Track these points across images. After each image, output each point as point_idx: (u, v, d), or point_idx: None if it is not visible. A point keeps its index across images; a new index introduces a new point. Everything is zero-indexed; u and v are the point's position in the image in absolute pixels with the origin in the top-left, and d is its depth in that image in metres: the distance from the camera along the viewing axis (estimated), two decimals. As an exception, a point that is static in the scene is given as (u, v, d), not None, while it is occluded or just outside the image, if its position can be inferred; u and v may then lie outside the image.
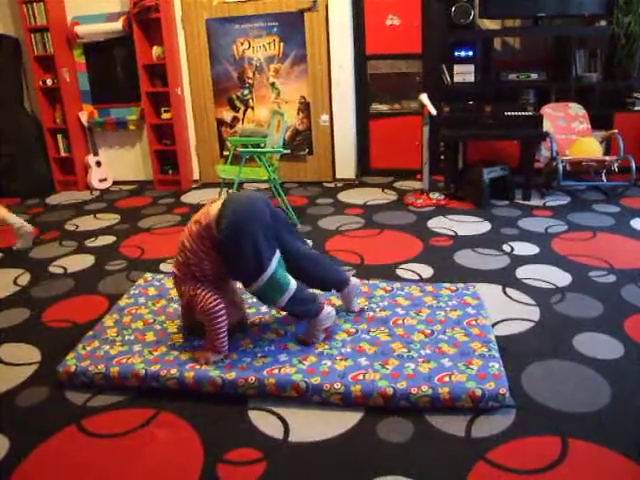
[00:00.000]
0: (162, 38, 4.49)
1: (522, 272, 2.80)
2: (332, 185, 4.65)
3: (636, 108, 4.35)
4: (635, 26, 4.10)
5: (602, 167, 3.98)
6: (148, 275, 2.80)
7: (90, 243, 3.55)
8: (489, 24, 4.63)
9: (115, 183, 5.09)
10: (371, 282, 2.64)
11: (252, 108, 4.71)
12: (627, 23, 4.11)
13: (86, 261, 3.24)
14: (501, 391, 1.78)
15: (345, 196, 4.31)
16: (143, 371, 1.97)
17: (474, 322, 2.21)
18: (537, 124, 3.90)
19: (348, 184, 4.63)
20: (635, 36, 4.14)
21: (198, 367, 1.97)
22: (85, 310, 2.60)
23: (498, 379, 1.84)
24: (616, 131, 4.12)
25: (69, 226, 3.94)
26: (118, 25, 4.57)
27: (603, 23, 4.30)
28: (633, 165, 3.79)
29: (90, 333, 2.26)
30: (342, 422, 1.78)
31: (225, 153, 4.79)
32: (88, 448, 1.73)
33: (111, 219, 4.05)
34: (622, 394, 1.84)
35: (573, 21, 4.46)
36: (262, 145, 3.83)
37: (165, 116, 4.71)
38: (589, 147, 4.00)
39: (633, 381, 1.90)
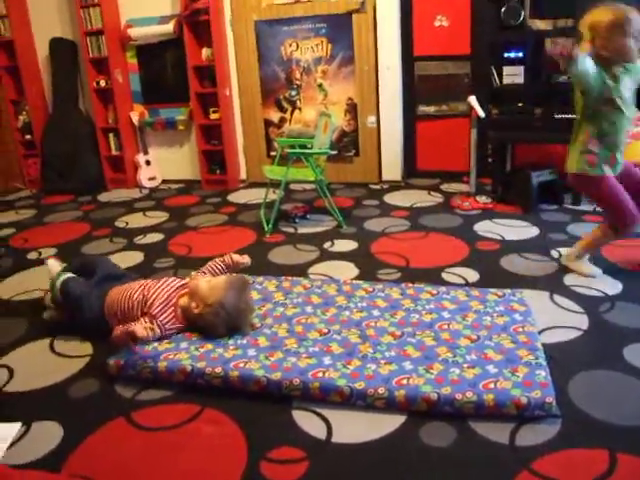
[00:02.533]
0: (211, 40, 4.57)
1: (570, 279, 2.75)
2: (378, 187, 4.64)
3: (695, 111, 4.20)
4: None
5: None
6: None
7: (139, 240, 3.64)
8: (540, 24, 4.54)
9: (164, 182, 5.20)
10: (416, 285, 2.63)
11: (299, 109, 4.74)
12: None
13: (135, 258, 3.33)
14: (547, 400, 1.76)
15: (391, 198, 4.30)
16: (190, 367, 2.01)
17: (521, 329, 2.18)
18: (589, 127, 3.81)
19: (394, 186, 4.62)
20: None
21: (242, 366, 2.00)
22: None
23: (545, 388, 1.81)
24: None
25: (119, 223, 4.05)
26: (169, 27, 4.67)
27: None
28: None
29: (140, 329, 2.32)
30: (385, 424, 1.78)
31: (272, 153, 4.84)
32: (136, 440, 1.78)
33: (160, 217, 4.15)
34: (675, 408, 1.79)
35: (629, 21, 4.33)
36: (309, 146, 3.86)
37: (213, 116, 4.79)
38: (643, 151, 3.88)
39: (686, 394, 1.85)
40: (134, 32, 4.78)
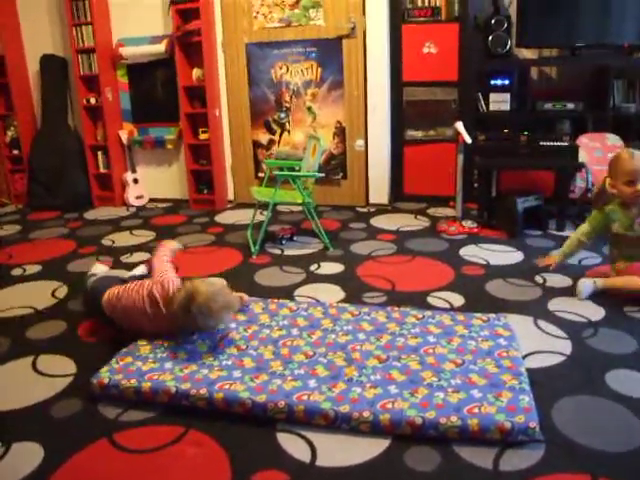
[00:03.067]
0: (202, 61, 4.61)
1: (554, 304, 2.78)
2: (365, 210, 4.67)
3: (675, 141, 4.30)
4: (675, 59, 4.07)
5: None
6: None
7: (126, 259, 3.63)
8: (526, 53, 4.64)
9: (151, 200, 5.20)
10: (402, 309, 2.64)
11: (288, 131, 4.78)
12: (667, 55, 4.09)
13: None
14: (531, 425, 1.77)
15: (378, 221, 4.33)
16: (174, 388, 2.00)
17: (505, 354, 2.20)
18: (572, 154, 3.88)
19: (381, 209, 4.66)
20: (675, 69, 4.11)
21: (227, 387, 1.99)
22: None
23: (528, 413, 1.82)
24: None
25: (106, 241, 4.04)
26: (161, 47, 4.71)
27: (643, 54, 4.28)
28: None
29: (124, 349, 2.31)
30: (370, 448, 1.78)
31: (260, 175, 4.87)
32: (118, 462, 1.76)
33: (147, 236, 4.14)
34: (656, 434, 1.81)
35: (612, 51, 4.45)
36: (297, 168, 3.88)
37: (203, 137, 4.81)
38: (626, 179, 3.96)
39: (668, 421, 1.87)
40: (125, 51, 4.81)
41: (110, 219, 4.67)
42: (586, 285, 2.82)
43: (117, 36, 4.89)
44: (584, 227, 2.97)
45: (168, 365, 2.17)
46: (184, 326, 2.35)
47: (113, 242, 4.01)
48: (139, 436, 1.88)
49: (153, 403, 2.03)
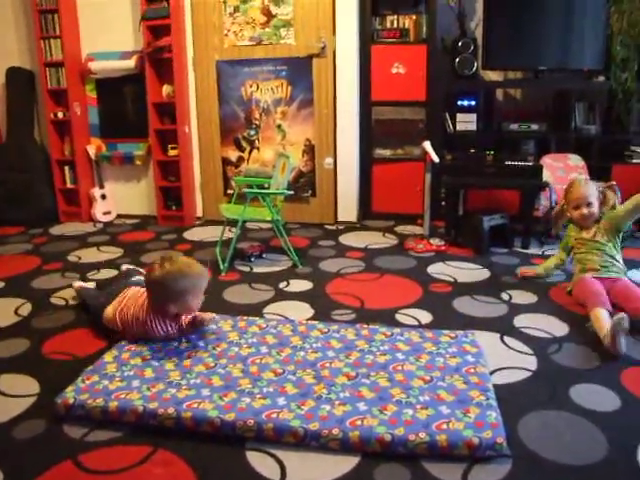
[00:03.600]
0: (173, 77, 4.61)
1: (520, 321, 2.83)
2: (334, 227, 4.70)
3: (634, 161, 4.44)
4: (632, 82, 4.22)
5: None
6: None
7: (92, 276, 3.58)
8: (492, 75, 4.76)
9: (119, 216, 5.14)
10: (371, 326, 2.66)
11: (258, 149, 4.80)
12: (624, 79, 4.24)
13: (88, 294, 3.26)
14: (498, 440, 1.79)
15: (346, 239, 4.36)
16: (141, 408, 1.98)
17: (473, 370, 2.23)
18: (537, 174, 3.98)
19: (350, 227, 4.69)
20: (632, 92, 4.26)
21: (195, 406, 1.98)
22: (85, 343, 2.61)
23: (495, 428, 1.85)
24: (614, 183, 4.17)
25: (72, 257, 3.97)
26: (131, 63, 4.69)
27: (602, 78, 4.43)
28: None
29: (90, 367, 2.27)
30: (339, 466, 1.78)
31: (229, 192, 4.86)
32: (84, 484, 1.73)
33: (114, 252, 4.09)
34: (618, 448, 1.84)
35: (573, 75, 4.59)
36: (267, 186, 3.89)
37: (172, 153, 4.79)
38: (588, 198, 4.06)
39: (629, 435, 1.91)
40: (95, 65, 4.78)
41: (77, 235, 4.60)
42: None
43: (86, 50, 4.86)
44: (558, 252, 3.36)
45: (135, 383, 2.14)
46: (166, 314, 2.47)
47: (79, 258, 3.95)
48: (105, 457, 1.84)
49: (120, 422, 1.99)
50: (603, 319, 2.58)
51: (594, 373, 2.31)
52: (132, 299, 2.60)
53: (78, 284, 3.21)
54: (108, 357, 2.35)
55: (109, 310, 2.62)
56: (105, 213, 5.07)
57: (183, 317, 2.52)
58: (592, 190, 3.12)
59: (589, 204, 3.09)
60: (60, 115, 4.88)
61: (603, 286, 2.90)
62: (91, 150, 4.98)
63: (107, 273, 3.61)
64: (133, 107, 4.94)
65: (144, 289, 2.57)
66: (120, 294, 2.68)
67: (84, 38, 4.85)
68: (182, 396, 2.05)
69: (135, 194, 5.15)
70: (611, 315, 2.64)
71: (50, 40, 4.72)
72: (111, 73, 4.83)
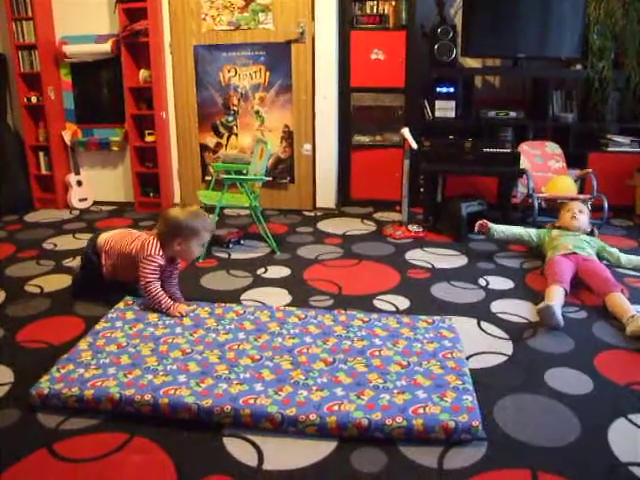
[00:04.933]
0: (149, 62, 4.54)
1: (496, 306, 2.86)
2: (312, 214, 4.69)
3: (609, 149, 4.50)
4: (608, 71, 4.25)
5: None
6: (129, 298, 2.79)
7: (68, 263, 3.53)
8: (471, 62, 4.77)
9: (95, 203, 5.08)
10: (349, 312, 2.67)
11: (236, 135, 4.76)
12: (601, 68, 4.27)
13: (63, 281, 3.22)
14: (474, 424, 1.81)
15: (325, 225, 4.35)
16: (117, 395, 1.96)
17: (449, 355, 2.24)
18: (514, 161, 4.01)
19: (328, 213, 4.68)
20: (608, 81, 4.30)
21: (172, 393, 1.97)
22: (61, 331, 2.58)
23: (471, 412, 1.87)
24: (590, 170, 4.24)
25: (47, 245, 3.92)
26: (106, 47, 4.61)
27: (579, 67, 4.46)
28: (605, 204, 3.89)
29: (65, 356, 2.24)
30: (317, 451, 1.79)
31: (207, 178, 4.82)
32: (58, 473, 1.71)
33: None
34: (590, 429, 1.88)
35: (550, 63, 4.62)
36: (244, 172, 3.87)
37: (149, 139, 4.73)
38: (564, 185, 4.11)
39: (601, 416, 1.95)
40: (69, 49, 4.69)
41: (52, 222, 4.53)
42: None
43: (60, 33, 4.76)
44: (533, 230, 3.49)
45: (111, 371, 2.12)
46: (167, 251, 2.70)
47: (55, 246, 3.90)
48: (81, 445, 1.83)
49: (96, 410, 1.97)
50: (552, 294, 2.74)
51: (568, 357, 2.35)
52: (123, 235, 2.88)
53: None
54: (83, 345, 2.32)
55: (102, 235, 2.92)
56: (81, 200, 5.00)
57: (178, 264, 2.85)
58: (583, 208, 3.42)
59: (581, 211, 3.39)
60: (34, 100, 4.79)
61: (572, 262, 3.02)
62: (66, 136, 4.90)
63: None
64: (109, 92, 4.86)
65: (140, 233, 2.86)
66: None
67: (58, 20, 4.75)
68: (159, 382, 2.04)
69: (112, 180, 5.08)
70: (566, 294, 2.79)
71: (22, 22, 4.60)
72: (86, 57, 4.74)
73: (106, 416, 1.96)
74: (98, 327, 2.48)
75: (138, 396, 1.95)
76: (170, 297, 2.71)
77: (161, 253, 2.67)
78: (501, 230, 3.48)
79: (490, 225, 3.47)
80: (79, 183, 4.98)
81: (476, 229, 3.50)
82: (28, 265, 3.49)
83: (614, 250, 3.26)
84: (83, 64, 4.80)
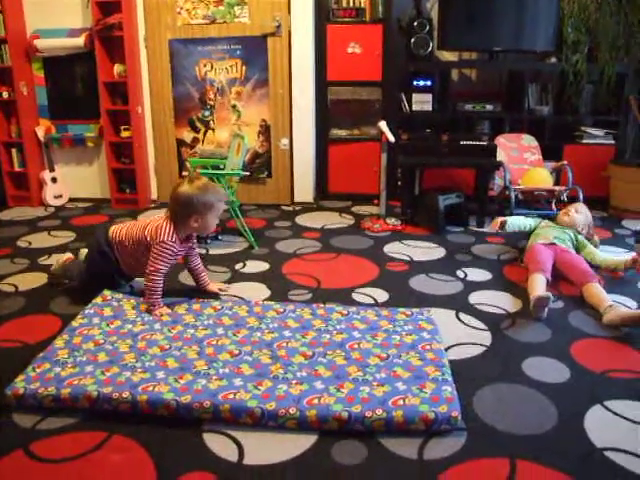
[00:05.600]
0: (124, 56, 4.48)
1: (475, 297, 2.88)
2: (290, 208, 4.68)
3: (584, 141, 4.55)
4: (582, 65, 4.30)
5: (552, 197, 4.14)
6: (106, 293, 2.75)
7: (43, 261, 3.48)
8: (447, 56, 4.79)
9: (71, 200, 5.01)
10: (328, 306, 2.67)
11: (213, 129, 4.73)
12: (575, 61, 4.32)
13: (39, 279, 3.17)
14: (453, 414, 1.82)
15: (303, 219, 4.35)
16: (95, 393, 1.93)
17: (428, 346, 2.26)
18: (491, 154, 4.03)
19: (306, 207, 4.68)
20: (582, 74, 4.35)
21: (151, 389, 1.95)
22: (36, 330, 2.54)
23: (451, 402, 1.88)
24: (565, 162, 4.29)
25: (22, 243, 3.85)
26: (79, 41, 4.54)
27: (554, 60, 4.50)
28: (581, 195, 3.94)
29: (41, 355, 2.20)
30: (297, 445, 1.78)
31: (184, 173, 4.78)
32: (35, 473, 1.68)
33: (66, 237, 3.98)
34: (567, 416, 1.91)
35: (526, 56, 4.66)
36: (222, 167, 3.84)
37: (124, 134, 4.68)
38: (540, 177, 4.15)
39: (578, 404, 1.98)
40: (41, 43, 4.61)
41: (26, 219, 4.46)
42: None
43: (32, 27, 4.67)
44: (531, 219, 3.50)
45: (89, 369, 2.10)
46: (185, 230, 2.68)
47: (30, 243, 3.83)
48: (58, 445, 1.80)
49: (73, 409, 1.95)
50: (536, 283, 2.76)
51: (545, 346, 2.38)
52: (133, 224, 2.82)
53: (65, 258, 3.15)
54: (59, 343, 2.29)
55: (112, 228, 2.84)
56: (56, 197, 4.93)
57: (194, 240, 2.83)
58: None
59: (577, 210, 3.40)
60: (5, 95, 4.70)
61: (551, 252, 3.06)
62: (40, 132, 4.82)
63: (58, 258, 3.51)
64: (83, 87, 4.79)
65: (152, 217, 2.79)
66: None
67: (29, 14, 4.66)
68: (137, 379, 2.02)
69: (87, 177, 5.02)
70: (548, 282, 2.81)
71: (-9, 15, 4.51)
72: (59, 51, 4.67)
73: (83, 415, 1.94)
74: (75, 324, 2.45)
75: (116, 394, 1.93)
76: (197, 273, 2.88)
77: (174, 238, 2.61)
78: (515, 224, 3.44)
79: (506, 222, 3.40)
80: (54, 180, 4.91)
81: (495, 228, 3.42)
82: (2, 264, 3.43)
83: (594, 250, 3.25)
84: (56, 58, 4.72)
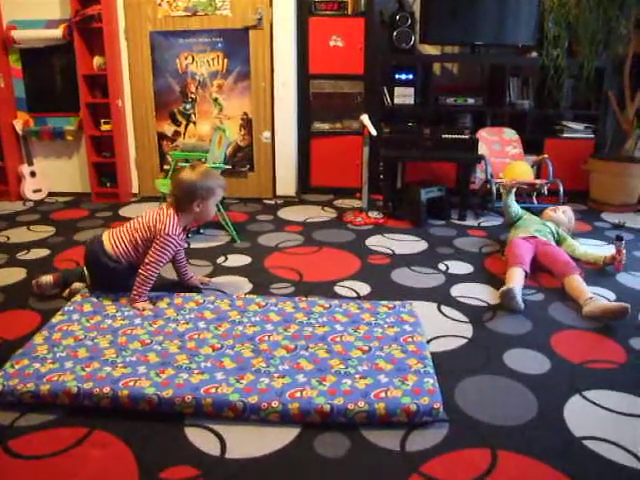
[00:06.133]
0: (104, 48, 4.42)
1: (456, 290, 2.90)
2: (272, 202, 4.67)
3: (564, 135, 4.59)
4: (562, 59, 4.33)
5: (533, 190, 4.17)
6: (86, 291, 2.72)
7: (22, 256, 3.43)
8: (429, 49, 4.80)
9: (50, 194, 4.95)
10: (310, 299, 2.66)
11: (194, 123, 4.69)
12: (555, 56, 4.34)
13: (17, 275, 3.13)
14: (435, 406, 1.83)
15: (285, 213, 4.34)
16: (75, 389, 1.91)
17: (410, 339, 2.26)
18: (473, 147, 4.05)
19: (288, 201, 4.67)
20: (563, 68, 4.38)
21: (132, 384, 1.93)
22: (15, 326, 2.50)
23: (432, 394, 1.89)
24: (546, 156, 4.33)
25: (0, 238, 3.80)
26: (58, 32, 4.47)
27: (534, 54, 4.53)
28: (561, 188, 3.98)
29: (20, 351, 2.18)
30: (279, 438, 1.78)
31: (166, 167, 4.74)
32: (15, 471, 1.65)
33: (46, 231, 3.93)
34: (547, 407, 1.93)
35: (507, 51, 4.69)
36: (203, 160, 3.82)
37: (105, 128, 4.63)
38: (521, 171, 4.18)
39: (557, 394, 2.00)
40: (18, 35, 4.53)
41: (5, 214, 4.39)
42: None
43: (8, 18, 4.59)
44: (521, 210, 3.52)
45: (68, 364, 2.07)
46: (187, 217, 2.68)
47: (8, 238, 3.78)
48: (38, 441, 1.78)
49: (53, 406, 1.93)
50: (513, 276, 2.80)
51: (526, 338, 2.40)
52: (132, 223, 2.78)
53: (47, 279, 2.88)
54: (38, 339, 2.26)
55: (104, 237, 2.74)
56: (35, 191, 4.86)
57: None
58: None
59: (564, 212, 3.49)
60: (-18, 88, 4.63)
61: (531, 245, 3.09)
62: (18, 125, 4.74)
63: (37, 253, 3.47)
64: (62, 79, 4.72)
65: (153, 209, 2.77)
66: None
67: (5, 4, 4.57)
68: (118, 374, 2.00)
69: (67, 171, 4.96)
70: (526, 275, 2.85)
71: (-34, 6, 4.43)
72: (37, 43, 4.59)
73: (64, 411, 1.91)
74: (54, 320, 2.42)
75: (97, 389, 1.91)
76: (180, 266, 2.88)
77: (179, 231, 2.64)
78: (513, 202, 3.47)
79: (513, 190, 3.47)
80: (32, 174, 4.84)
81: (506, 186, 3.48)
82: (-21, 259, 3.39)
83: (574, 243, 3.30)
84: (34, 50, 4.64)
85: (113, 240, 2.70)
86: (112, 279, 2.71)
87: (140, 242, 2.67)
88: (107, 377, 1.98)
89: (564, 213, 3.46)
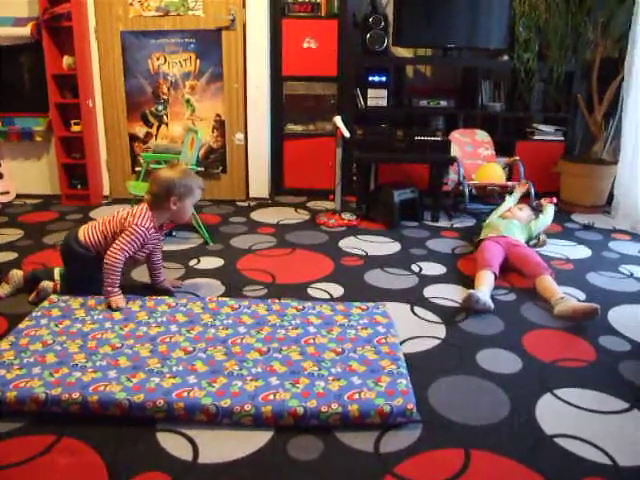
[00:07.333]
0: (74, 47, 4.35)
1: (429, 291, 2.91)
2: (245, 204, 4.64)
3: (535, 137, 4.65)
4: (533, 63, 4.39)
5: (505, 191, 4.21)
6: (53, 297, 2.67)
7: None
8: (402, 52, 4.82)
9: (18, 196, 4.85)
10: (283, 301, 2.65)
11: (166, 124, 4.64)
12: (526, 59, 4.40)
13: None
14: (408, 407, 1.84)
15: (258, 215, 4.32)
16: (43, 395, 1.87)
17: (384, 340, 2.26)
18: (445, 149, 4.08)
19: (261, 203, 4.65)
20: (533, 72, 4.44)
21: (102, 389, 1.90)
22: (-20, 330, 2.45)
23: (406, 395, 1.89)
24: (517, 158, 4.38)
25: (-35, 241, 3.71)
26: (26, 31, 4.38)
27: (506, 58, 4.58)
28: (532, 190, 4.03)
29: (-15, 356, 2.13)
30: (252, 441, 1.77)
31: (137, 169, 4.68)
32: (-20, 479, 1.62)
33: (13, 234, 3.85)
34: (519, 405, 1.95)
35: (479, 54, 4.73)
36: (176, 162, 3.77)
37: (75, 129, 4.55)
38: (493, 172, 4.23)
39: (529, 393, 2.02)
40: (-16, 33, 4.44)
41: (-30, 217, 4.30)
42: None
43: (-26, 17, 4.50)
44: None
45: (36, 370, 2.03)
46: (162, 214, 2.66)
47: (-26, 241, 3.70)
48: (4, 450, 1.73)
49: (20, 413, 1.88)
50: (482, 279, 2.84)
51: (498, 338, 2.42)
52: (105, 219, 2.72)
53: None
54: (4, 344, 2.21)
55: (79, 232, 2.71)
56: (3, 193, 4.76)
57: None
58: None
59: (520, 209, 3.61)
60: (-53, 87, 4.52)
61: (502, 246, 3.13)
62: (-16, 125, 4.65)
63: (5, 256, 3.39)
64: (31, 79, 4.63)
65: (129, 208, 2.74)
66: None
67: (-29, 3, 4.48)
68: (88, 379, 1.96)
69: (36, 172, 4.86)
70: (496, 278, 2.88)
71: None
72: (3, 41, 4.49)
73: (31, 418, 1.87)
74: (21, 326, 2.37)
75: (65, 395, 1.87)
76: (155, 268, 2.85)
77: (149, 224, 2.61)
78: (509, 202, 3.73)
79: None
80: (0, 175, 4.74)
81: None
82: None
83: (537, 221, 3.49)
84: (1, 49, 4.55)
85: (87, 230, 2.71)
86: (82, 269, 2.72)
87: (110, 234, 2.66)
88: (76, 382, 1.94)
89: (521, 210, 3.56)
